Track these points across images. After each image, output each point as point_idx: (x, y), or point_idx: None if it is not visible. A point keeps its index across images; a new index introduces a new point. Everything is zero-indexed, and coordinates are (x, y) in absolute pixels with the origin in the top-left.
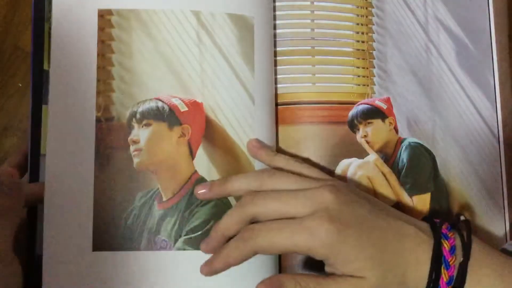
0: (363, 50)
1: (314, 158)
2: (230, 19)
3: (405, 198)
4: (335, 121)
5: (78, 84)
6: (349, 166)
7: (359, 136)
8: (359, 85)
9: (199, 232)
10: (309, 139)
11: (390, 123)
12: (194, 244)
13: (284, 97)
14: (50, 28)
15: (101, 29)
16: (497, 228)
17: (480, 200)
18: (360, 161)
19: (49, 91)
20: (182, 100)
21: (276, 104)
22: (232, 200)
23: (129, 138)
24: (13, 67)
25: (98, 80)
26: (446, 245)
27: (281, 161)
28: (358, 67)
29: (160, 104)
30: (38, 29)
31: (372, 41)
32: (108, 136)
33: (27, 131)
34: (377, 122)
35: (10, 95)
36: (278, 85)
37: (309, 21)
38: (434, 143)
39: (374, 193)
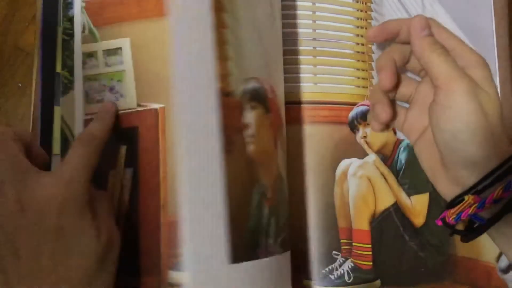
0: (363, 52)
1: (315, 157)
2: None
3: (404, 199)
4: (336, 121)
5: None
6: (349, 166)
7: (359, 137)
8: (358, 86)
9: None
10: (310, 139)
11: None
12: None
13: (286, 97)
14: (62, 33)
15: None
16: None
17: None
18: (360, 161)
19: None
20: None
21: None
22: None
23: (243, 121)
24: (13, 67)
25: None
26: None
27: None
28: (358, 69)
29: (259, 85)
30: (48, 33)
31: (371, 44)
32: (229, 114)
33: (36, 133)
34: None
35: (10, 95)
36: None
37: (311, 21)
38: None
39: (374, 194)
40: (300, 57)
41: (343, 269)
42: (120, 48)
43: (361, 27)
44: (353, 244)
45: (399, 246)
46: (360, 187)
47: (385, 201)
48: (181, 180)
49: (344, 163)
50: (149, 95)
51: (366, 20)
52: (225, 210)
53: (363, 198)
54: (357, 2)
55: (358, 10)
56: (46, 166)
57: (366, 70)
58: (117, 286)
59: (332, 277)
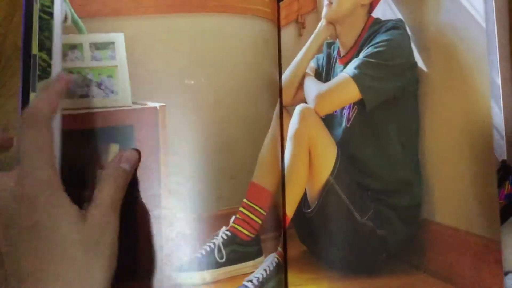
0: None
1: None
2: None
3: None
4: None
5: None
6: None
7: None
8: None
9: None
10: None
11: None
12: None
13: None
14: (39, 10)
15: None
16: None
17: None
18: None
19: None
20: None
21: None
22: None
23: None
24: (13, 67)
25: None
26: None
27: None
28: None
29: None
30: (28, 11)
31: None
32: None
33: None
34: None
35: (10, 95)
36: None
37: None
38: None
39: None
40: None
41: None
42: (112, 43)
43: None
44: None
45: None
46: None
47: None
48: None
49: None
50: (145, 93)
51: None
52: None
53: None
54: None
55: None
56: None
57: None
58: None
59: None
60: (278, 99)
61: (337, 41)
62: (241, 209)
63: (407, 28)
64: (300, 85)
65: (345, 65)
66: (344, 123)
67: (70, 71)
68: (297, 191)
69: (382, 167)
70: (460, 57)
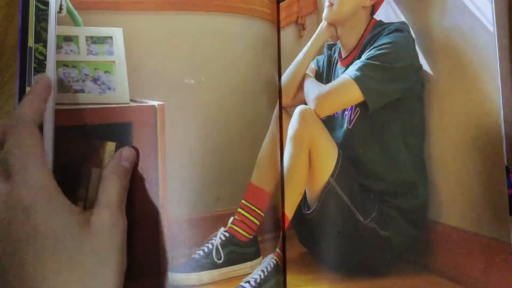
0: None
1: None
2: None
3: None
4: None
5: None
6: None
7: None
8: None
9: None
10: None
11: None
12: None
13: None
14: (35, 1)
15: None
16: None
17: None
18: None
19: None
20: None
21: None
22: None
23: None
24: (13, 67)
25: None
26: None
27: None
28: None
29: None
30: (25, 3)
31: None
32: None
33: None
34: None
35: (10, 95)
36: None
37: None
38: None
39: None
40: None
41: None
42: (110, 37)
43: None
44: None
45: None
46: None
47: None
48: None
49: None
50: (143, 91)
51: None
52: None
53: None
54: None
55: None
56: None
57: None
58: None
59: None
60: (278, 100)
61: (338, 43)
62: (239, 210)
63: (411, 31)
64: (300, 86)
65: (347, 67)
66: (345, 125)
67: (64, 64)
68: (297, 192)
69: (386, 169)
70: (466, 60)
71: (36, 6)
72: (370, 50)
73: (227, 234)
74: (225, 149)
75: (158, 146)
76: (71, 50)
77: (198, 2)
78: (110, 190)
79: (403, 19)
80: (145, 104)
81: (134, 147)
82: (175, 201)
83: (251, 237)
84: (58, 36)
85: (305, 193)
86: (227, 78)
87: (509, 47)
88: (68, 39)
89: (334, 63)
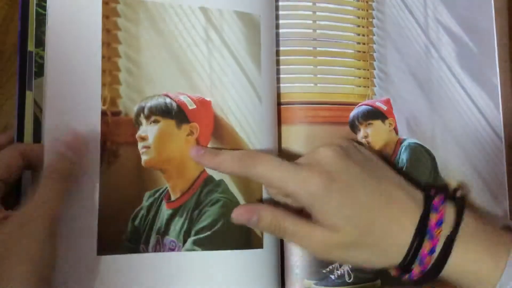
0: (364, 52)
1: None
2: (238, 17)
3: None
4: (337, 121)
5: (81, 75)
6: None
7: (360, 137)
8: (359, 86)
9: (208, 232)
10: (310, 139)
11: (390, 124)
12: (203, 244)
13: (286, 97)
14: (36, 5)
15: (105, 17)
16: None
17: (482, 200)
18: None
19: (45, 81)
20: (190, 98)
21: (278, 104)
22: (243, 202)
23: (137, 135)
24: (13, 67)
25: (103, 71)
26: (433, 218)
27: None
28: (358, 69)
29: (168, 100)
30: (25, 5)
31: (372, 43)
32: (115, 131)
33: (14, 120)
34: (377, 123)
35: (10, 95)
36: (280, 85)
37: (311, 21)
38: (434, 144)
39: None
40: (300, 57)
41: (343, 269)
42: None
43: (363, 26)
44: None
45: None
46: None
47: None
48: None
49: None
50: None
51: (367, 19)
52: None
53: None
54: (358, 0)
55: (359, 9)
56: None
57: (367, 69)
58: None
59: (332, 276)
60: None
61: None
62: None
63: None
64: None
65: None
66: None
67: None
68: None
69: None
70: None
71: (36, 11)
72: None
73: None
74: None
75: None
76: None
77: None
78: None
79: None
80: None
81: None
82: None
83: None
84: None
85: None
86: None
87: (508, 48)
88: None
89: None
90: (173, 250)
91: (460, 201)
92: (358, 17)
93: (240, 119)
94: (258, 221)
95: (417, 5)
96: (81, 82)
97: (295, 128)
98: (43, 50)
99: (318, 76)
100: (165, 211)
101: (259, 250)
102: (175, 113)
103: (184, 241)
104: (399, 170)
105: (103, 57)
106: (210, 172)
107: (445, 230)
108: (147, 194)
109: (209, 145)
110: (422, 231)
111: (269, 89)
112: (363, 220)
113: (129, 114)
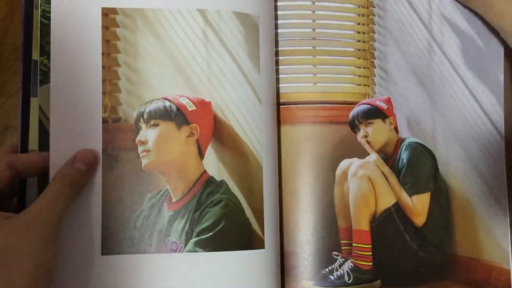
0: (364, 50)
1: (315, 157)
2: (236, 17)
3: (405, 198)
4: (336, 121)
5: (83, 85)
6: (350, 166)
7: (359, 136)
8: (360, 85)
9: (210, 233)
10: (310, 139)
11: (391, 123)
12: (205, 245)
13: (285, 97)
14: (40, 16)
15: (105, 28)
16: (500, 227)
17: (482, 200)
18: (361, 161)
19: (50, 92)
20: (189, 99)
21: (278, 104)
22: (244, 203)
23: (137, 139)
24: (13, 67)
25: (103, 80)
26: None
27: None
28: (359, 67)
29: (167, 103)
30: (28, 16)
31: (373, 41)
32: (116, 137)
33: (18, 125)
34: (378, 122)
35: (10, 95)
36: (280, 85)
37: (310, 21)
38: (435, 143)
39: (374, 193)
40: (300, 57)
41: (343, 270)
42: None
43: (363, 24)
44: (353, 244)
45: (400, 246)
46: (361, 187)
47: (386, 201)
48: None
49: (345, 163)
50: None
51: (368, 16)
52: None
53: (363, 198)
54: None
55: (359, 6)
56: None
57: (368, 68)
58: None
59: (332, 277)
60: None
61: None
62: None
63: None
64: None
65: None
66: None
67: None
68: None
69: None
70: None
71: (41, 21)
72: None
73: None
74: None
75: None
76: None
77: None
78: (47, 188)
79: None
80: None
81: (92, 150)
82: None
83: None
84: None
85: None
86: None
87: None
88: None
89: None
90: (175, 251)
91: None
92: (358, 15)
93: (239, 119)
94: None
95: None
96: (83, 91)
97: (295, 128)
98: (47, 58)
99: (318, 75)
100: (166, 212)
101: (260, 250)
102: (175, 115)
103: (186, 242)
104: (398, 171)
105: (103, 67)
106: (211, 173)
107: None
108: (148, 196)
109: (209, 146)
110: None
111: (268, 89)
112: None
113: (129, 120)
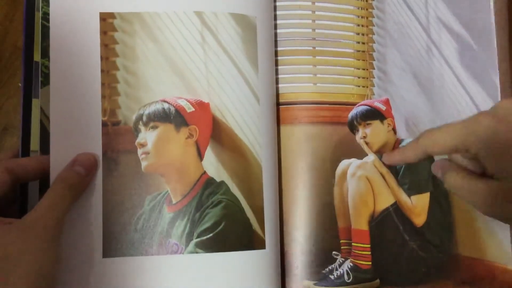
0: (363, 51)
1: (314, 158)
2: (233, 18)
3: (404, 198)
4: (335, 121)
5: (82, 89)
6: (349, 166)
7: (358, 137)
8: (359, 86)
9: (211, 234)
10: (309, 139)
11: (389, 124)
12: (206, 246)
13: (285, 97)
14: (41, 18)
15: (103, 32)
16: (501, 227)
17: None
18: (359, 161)
19: (50, 96)
20: (188, 101)
21: (277, 104)
22: (244, 203)
23: (136, 142)
24: (13, 67)
25: (102, 84)
26: None
27: None
28: (358, 68)
29: (166, 105)
30: (30, 19)
31: (372, 42)
32: (115, 140)
33: (19, 126)
34: (376, 123)
35: (10, 95)
36: (279, 85)
37: (310, 21)
38: None
39: (373, 194)
40: (300, 57)
41: (342, 269)
42: None
43: (362, 25)
44: (353, 244)
45: (399, 246)
46: (360, 187)
47: (385, 201)
48: None
49: (344, 163)
50: None
51: (367, 18)
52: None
53: (362, 198)
54: None
55: (359, 8)
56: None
57: (367, 69)
58: None
59: (332, 277)
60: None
61: None
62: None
63: None
64: None
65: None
66: None
67: None
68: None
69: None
70: None
71: (42, 24)
72: None
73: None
74: None
75: None
76: None
77: None
78: (47, 192)
79: None
80: None
81: (92, 154)
82: None
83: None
84: None
85: None
86: None
87: (508, 48)
88: None
89: None
90: (175, 252)
91: None
92: (358, 16)
93: (238, 120)
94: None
95: (418, 3)
96: (82, 95)
97: (295, 128)
98: (48, 60)
99: (317, 76)
100: (166, 214)
101: (261, 251)
102: (174, 117)
103: (187, 244)
104: (397, 172)
105: (102, 71)
106: (210, 174)
107: None
108: (148, 198)
109: (208, 147)
110: None
111: (267, 89)
112: None
113: (128, 123)
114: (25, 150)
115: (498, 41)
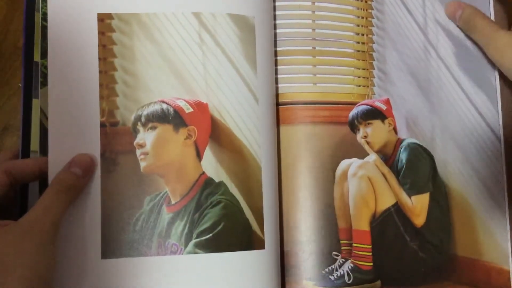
0: (363, 51)
1: (314, 157)
2: (231, 19)
3: (404, 198)
4: (336, 121)
5: (80, 89)
6: (350, 166)
7: (359, 137)
8: (359, 86)
9: (210, 235)
10: (310, 139)
11: (390, 123)
12: (205, 247)
13: (285, 97)
14: (41, 18)
15: (101, 33)
16: (499, 228)
17: (481, 200)
18: (360, 161)
19: (48, 97)
20: (186, 102)
21: (277, 104)
22: (243, 203)
23: (135, 142)
24: (13, 67)
25: (100, 85)
26: None
27: None
28: (358, 68)
29: (164, 106)
30: (29, 19)
31: (372, 43)
32: (114, 140)
33: (19, 126)
34: (377, 123)
35: (10, 95)
36: (279, 85)
37: (310, 21)
38: (433, 144)
39: (374, 194)
40: (300, 57)
41: (343, 270)
42: None
43: (362, 26)
44: (353, 244)
45: (400, 246)
46: (360, 187)
47: (386, 201)
48: None
49: (344, 163)
50: None
51: (366, 18)
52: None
53: (363, 198)
54: (358, 0)
55: (358, 9)
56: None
57: (367, 69)
58: None
59: (332, 277)
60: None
61: None
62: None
63: None
64: None
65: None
66: None
67: None
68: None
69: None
70: None
71: (42, 24)
72: None
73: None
74: None
75: None
76: None
77: None
78: (43, 195)
79: None
80: None
81: (88, 154)
82: None
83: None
84: None
85: None
86: None
87: None
88: None
89: None
90: (175, 253)
91: None
92: (358, 17)
93: (237, 120)
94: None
95: (415, 4)
96: (80, 96)
97: (295, 128)
98: (47, 60)
99: (317, 75)
100: (165, 215)
101: (261, 251)
102: (172, 118)
103: (186, 244)
104: (398, 172)
105: (100, 71)
106: (209, 174)
107: None
108: (147, 198)
109: (207, 147)
110: None
111: (266, 89)
112: None
113: (126, 124)
114: (25, 150)
115: None
